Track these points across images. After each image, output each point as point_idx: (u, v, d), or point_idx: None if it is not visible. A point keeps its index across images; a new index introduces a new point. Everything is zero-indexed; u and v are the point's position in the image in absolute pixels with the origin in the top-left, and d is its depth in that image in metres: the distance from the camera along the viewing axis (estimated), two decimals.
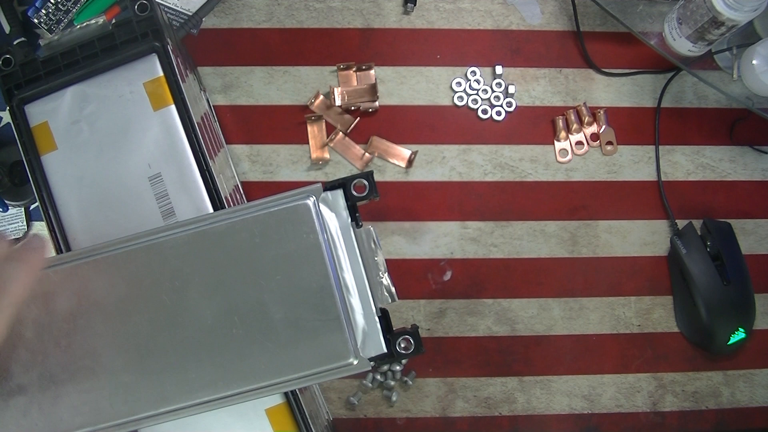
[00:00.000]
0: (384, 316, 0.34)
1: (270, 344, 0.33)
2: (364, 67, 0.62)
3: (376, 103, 0.61)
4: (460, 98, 0.62)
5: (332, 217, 0.35)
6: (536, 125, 0.62)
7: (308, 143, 0.61)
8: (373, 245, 0.35)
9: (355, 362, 0.34)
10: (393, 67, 0.62)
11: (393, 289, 0.35)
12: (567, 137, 0.62)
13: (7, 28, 0.61)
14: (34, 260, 0.32)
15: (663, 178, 0.61)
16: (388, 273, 0.35)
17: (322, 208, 0.35)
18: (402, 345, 0.34)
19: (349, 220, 0.35)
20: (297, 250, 0.34)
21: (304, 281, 0.34)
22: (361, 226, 0.35)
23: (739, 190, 0.62)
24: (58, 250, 0.44)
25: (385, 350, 0.33)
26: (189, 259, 0.34)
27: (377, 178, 0.60)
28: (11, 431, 0.33)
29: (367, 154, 0.60)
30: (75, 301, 0.34)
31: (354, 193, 0.35)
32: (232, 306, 0.34)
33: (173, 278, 0.34)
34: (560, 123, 0.61)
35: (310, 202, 0.34)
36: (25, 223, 0.59)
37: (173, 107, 0.45)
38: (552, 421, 0.58)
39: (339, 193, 0.35)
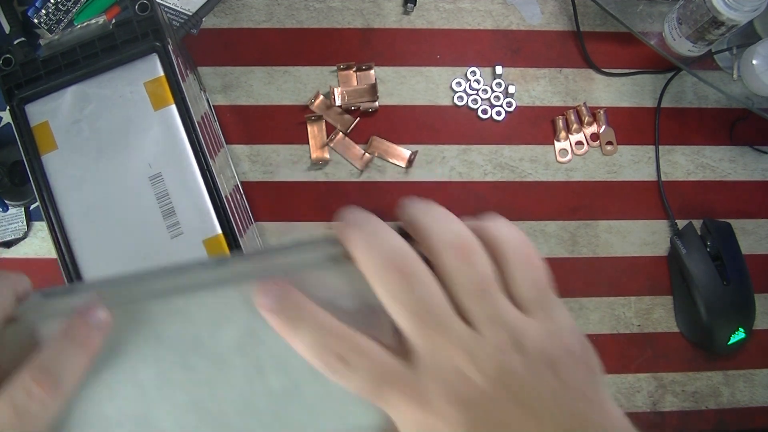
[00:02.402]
0: None
1: None
2: (364, 67, 0.62)
3: (376, 103, 0.61)
4: (460, 98, 0.62)
5: None
6: (536, 125, 0.62)
7: (308, 143, 0.61)
8: None
9: None
10: (393, 67, 0.62)
11: None
12: (567, 137, 0.62)
13: (7, 28, 0.60)
14: (93, 343, 0.25)
15: (663, 178, 0.61)
16: None
17: None
18: None
19: None
20: None
21: None
22: None
23: (739, 190, 0.62)
24: (59, 251, 0.44)
25: None
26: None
27: (377, 178, 0.61)
28: None
29: (367, 154, 0.60)
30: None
31: None
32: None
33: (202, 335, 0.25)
34: (560, 123, 0.61)
35: None
36: (25, 223, 0.59)
37: (174, 107, 0.45)
38: None
39: None
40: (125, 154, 0.45)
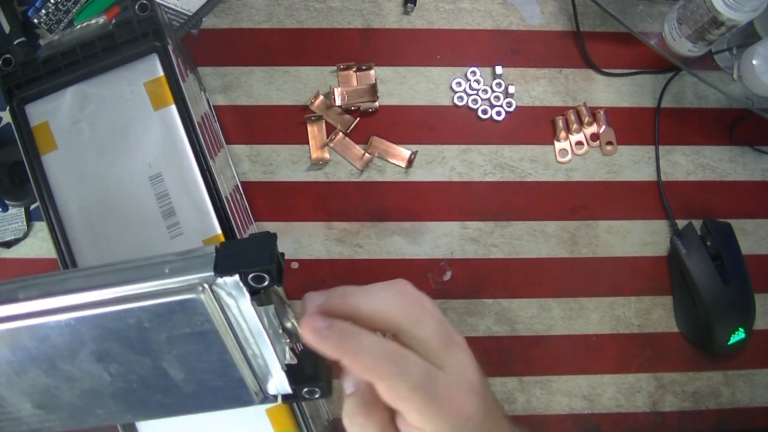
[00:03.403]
0: (290, 370, 0.33)
1: (172, 394, 0.33)
2: (364, 67, 0.61)
3: (376, 103, 0.61)
4: (460, 98, 0.62)
5: (232, 301, 0.31)
6: (536, 125, 0.62)
7: (308, 143, 0.61)
8: (275, 320, 0.32)
9: (259, 401, 0.34)
10: (393, 67, 0.62)
11: (296, 352, 0.33)
12: (567, 137, 0.62)
13: (7, 28, 0.61)
14: None
15: (663, 178, 0.61)
16: (297, 335, 0.33)
17: (219, 291, 0.30)
18: (306, 392, 0.34)
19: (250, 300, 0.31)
20: (192, 333, 0.31)
21: (202, 355, 0.32)
22: (265, 303, 0.31)
23: (739, 190, 0.62)
24: (59, 251, 0.44)
25: (291, 392, 0.34)
26: (76, 336, 0.31)
27: (377, 178, 0.61)
28: None
29: (367, 154, 0.60)
30: None
31: (251, 283, 0.30)
32: (129, 370, 0.32)
33: (64, 349, 0.32)
34: (560, 123, 0.61)
35: (203, 296, 0.30)
36: (24, 223, 0.59)
37: (174, 107, 0.45)
38: (552, 421, 0.58)
39: (236, 278, 0.30)
40: (125, 154, 0.45)
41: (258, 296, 0.31)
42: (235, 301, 0.30)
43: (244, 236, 0.49)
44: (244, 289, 0.30)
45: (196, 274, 0.30)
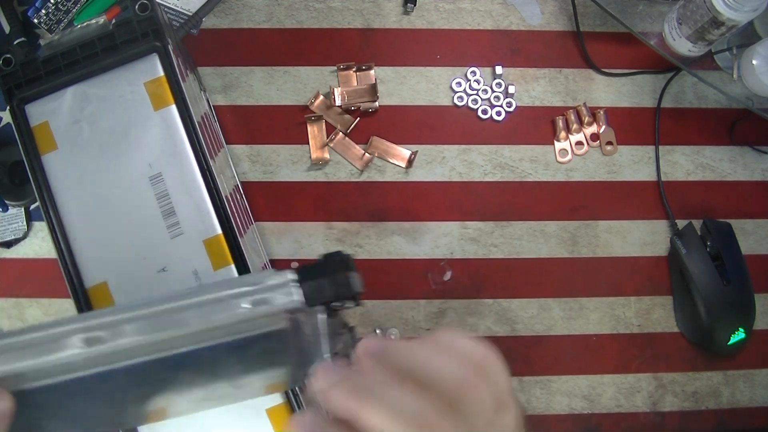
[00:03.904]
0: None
1: (211, 396, 0.33)
2: (364, 67, 0.62)
3: (376, 103, 0.61)
4: (460, 98, 0.62)
5: (305, 318, 0.31)
6: (536, 125, 0.62)
7: (308, 143, 0.61)
8: (338, 325, 0.33)
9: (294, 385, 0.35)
10: (393, 67, 0.62)
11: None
12: (567, 137, 0.62)
13: (7, 28, 0.61)
14: None
15: (663, 178, 0.61)
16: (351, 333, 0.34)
17: (298, 314, 0.30)
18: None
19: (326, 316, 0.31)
20: (262, 352, 0.31)
21: (260, 364, 0.32)
22: (334, 316, 0.32)
23: (739, 190, 0.62)
24: (59, 251, 0.44)
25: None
26: (142, 375, 0.30)
27: (377, 178, 0.61)
28: None
29: (367, 154, 0.60)
30: None
31: (334, 307, 0.31)
32: (183, 386, 0.32)
33: (124, 384, 0.31)
34: (560, 123, 0.61)
35: (289, 325, 0.30)
36: (25, 223, 0.59)
37: (174, 107, 0.45)
38: (552, 422, 0.58)
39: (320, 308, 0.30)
40: (125, 154, 0.45)
41: (330, 314, 0.31)
42: (306, 317, 0.31)
43: (244, 235, 0.49)
44: (324, 310, 0.30)
45: (281, 306, 0.29)
